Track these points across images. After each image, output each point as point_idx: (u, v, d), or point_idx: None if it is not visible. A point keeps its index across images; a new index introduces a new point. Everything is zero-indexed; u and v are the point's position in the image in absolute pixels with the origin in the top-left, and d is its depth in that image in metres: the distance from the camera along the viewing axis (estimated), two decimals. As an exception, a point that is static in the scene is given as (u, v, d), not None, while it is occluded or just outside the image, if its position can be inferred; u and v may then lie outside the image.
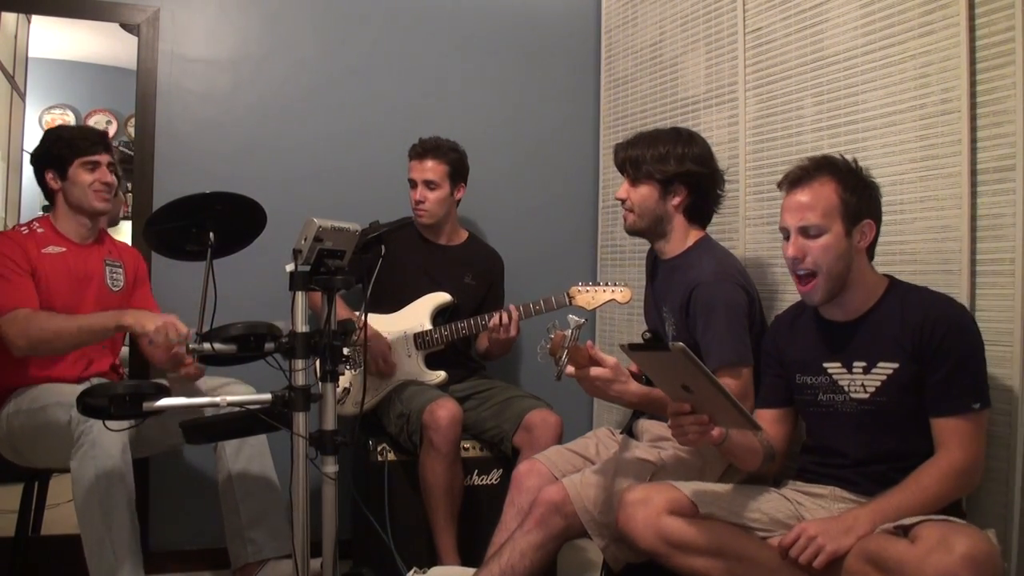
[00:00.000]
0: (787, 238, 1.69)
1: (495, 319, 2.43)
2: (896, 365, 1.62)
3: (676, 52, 2.72)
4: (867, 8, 1.98)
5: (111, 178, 2.33)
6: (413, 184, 2.66)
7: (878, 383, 1.64)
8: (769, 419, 1.82)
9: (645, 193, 2.07)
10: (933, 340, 1.57)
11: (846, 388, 1.69)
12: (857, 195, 1.65)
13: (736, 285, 1.97)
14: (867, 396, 1.65)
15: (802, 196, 1.66)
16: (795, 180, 1.69)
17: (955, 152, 1.76)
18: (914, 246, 1.85)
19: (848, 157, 1.70)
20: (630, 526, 1.67)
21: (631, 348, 1.52)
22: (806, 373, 1.77)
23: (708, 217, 2.15)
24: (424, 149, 2.64)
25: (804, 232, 1.66)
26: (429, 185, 2.64)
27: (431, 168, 2.63)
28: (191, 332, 2.06)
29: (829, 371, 1.72)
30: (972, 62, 1.73)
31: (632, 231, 2.14)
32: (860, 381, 1.66)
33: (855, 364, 1.68)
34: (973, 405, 1.55)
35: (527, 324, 2.49)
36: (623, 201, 2.11)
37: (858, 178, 1.67)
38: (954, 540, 1.34)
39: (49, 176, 2.30)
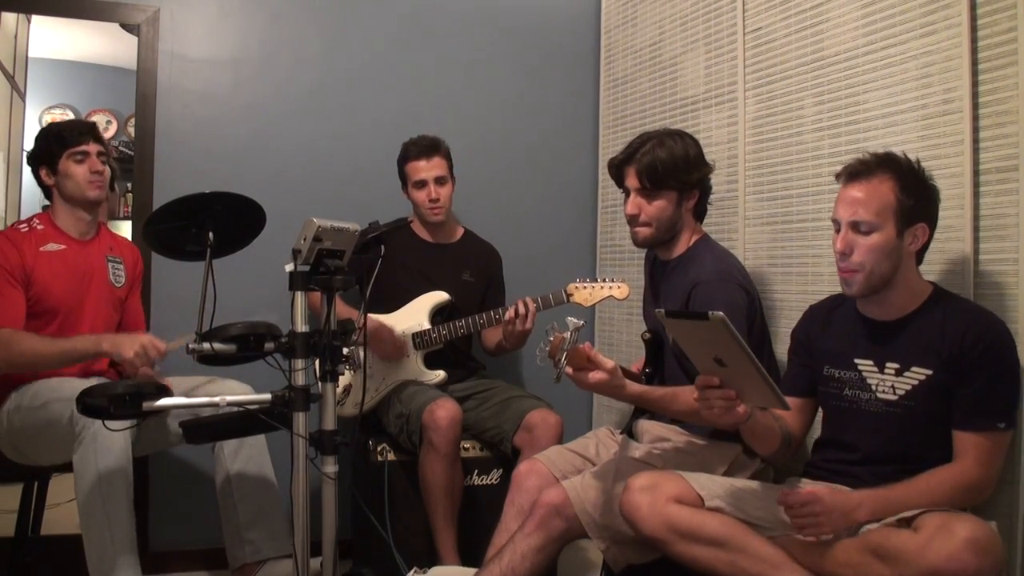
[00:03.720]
0: (837, 231, 1.66)
1: (510, 311, 2.39)
2: (929, 372, 1.61)
3: (676, 52, 2.71)
4: (868, 8, 1.98)
5: (101, 167, 2.32)
6: (421, 184, 2.63)
7: (909, 387, 1.63)
8: (791, 406, 1.80)
9: (663, 205, 2.02)
10: (972, 354, 1.55)
11: (874, 387, 1.68)
12: (915, 197, 1.61)
13: (737, 285, 1.96)
14: (896, 398, 1.64)
15: (857, 191, 1.63)
16: (853, 173, 1.65)
17: (957, 152, 1.75)
18: (915, 246, 1.85)
19: (912, 157, 1.66)
20: (635, 512, 1.67)
21: (668, 315, 1.50)
22: (835, 366, 1.75)
23: (706, 211, 2.15)
24: (426, 147, 2.63)
25: (855, 227, 1.62)
26: (440, 181, 2.63)
27: (439, 164, 2.63)
28: (170, 344, 2.10)
29: (859, 367, 1.70)
30: (974, 62, 1.72)
31: (646, 244, 2.10)
32: (891, 382, 1.65)
33: (888, 365, 1.66)
34: (998, 424, 1.54)
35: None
36: (634, 217, 2.04)
37: (918, 179, 1.63)
38: (955, 525, 1.35)
39: (43, 173, 2.31)
